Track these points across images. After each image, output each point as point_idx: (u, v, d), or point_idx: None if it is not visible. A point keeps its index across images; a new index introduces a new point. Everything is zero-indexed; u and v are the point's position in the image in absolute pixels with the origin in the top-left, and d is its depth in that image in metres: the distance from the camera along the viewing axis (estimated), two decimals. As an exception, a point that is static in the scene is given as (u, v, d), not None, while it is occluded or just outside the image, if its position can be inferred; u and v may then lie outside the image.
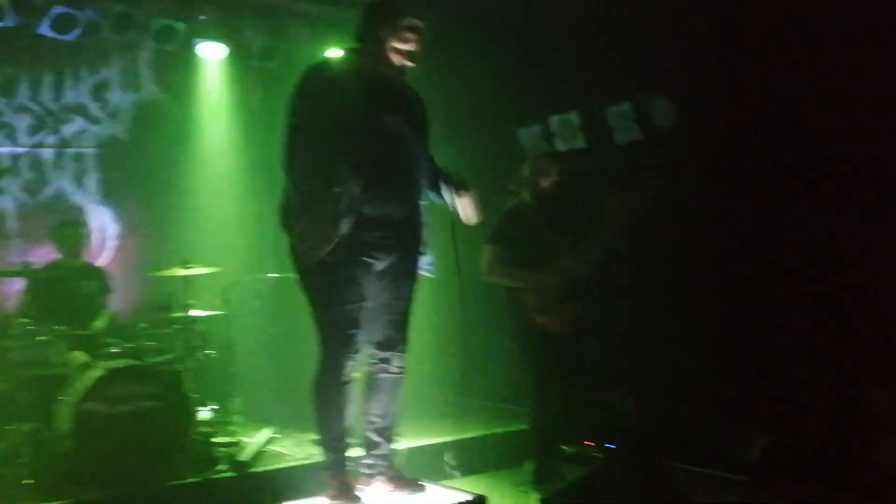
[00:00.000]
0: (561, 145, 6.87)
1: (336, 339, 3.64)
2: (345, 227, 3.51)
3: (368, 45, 3.71)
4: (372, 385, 3.91)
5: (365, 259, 3.65)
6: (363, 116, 3.56)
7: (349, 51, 3.84)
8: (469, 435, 6.15)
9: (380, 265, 3.72)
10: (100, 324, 6.04)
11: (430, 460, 5.63)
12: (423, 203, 3.85)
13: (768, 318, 5.40)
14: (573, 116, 6.68)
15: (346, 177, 3.48)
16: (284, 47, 7.30)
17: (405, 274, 3.81)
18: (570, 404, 5.36)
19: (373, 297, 3.72)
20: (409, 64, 3.68)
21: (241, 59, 7.37)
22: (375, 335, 3.82)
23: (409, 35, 3.63)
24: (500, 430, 6.28)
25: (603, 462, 5.42)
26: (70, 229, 6.22)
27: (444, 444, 5.90)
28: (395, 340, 3.86)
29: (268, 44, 7.21)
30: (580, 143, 6.61)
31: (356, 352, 3.71)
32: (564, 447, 5.70)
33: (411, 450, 5.57)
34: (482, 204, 4.01)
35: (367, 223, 3.60)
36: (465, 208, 3.91)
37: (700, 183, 5.86)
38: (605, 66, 6.28)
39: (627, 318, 6.09)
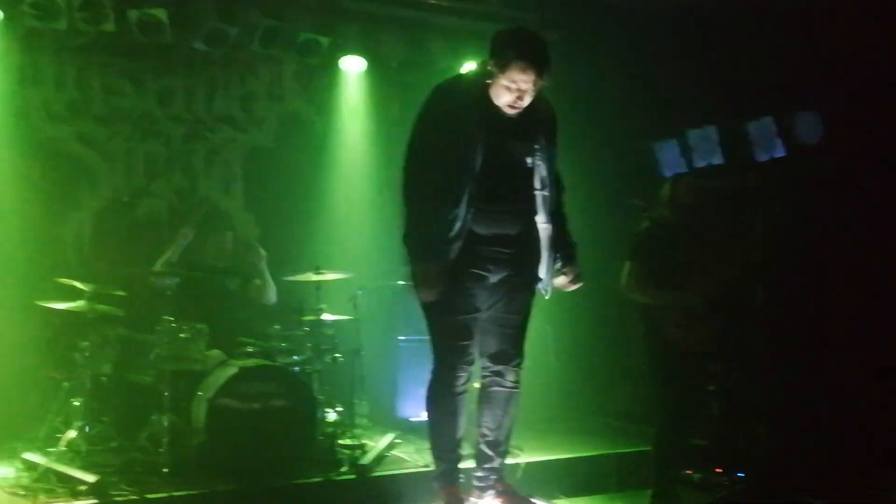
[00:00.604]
0: (699, 160, 6.68)
1: (449, 350, 3.66)
2: (455, 251, 3.53)
3: (489, 72, 3.62)
4: (485, 398, 3.91)
5: (478, 272, 3.66)
6: (481, 142, 3.52)
7: (478, 71, 3.75)
8: (588, 453, 6.05)
9: (493, 278, 3.72)
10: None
11: (546, 477, 5.56)
12: (544, 224, 3.78)
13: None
14: (711, 131, 6.48)
15: (458, 203, 3.48)
16: (422, 60, 7.43)
17: (520, 288, 3.80)
18: (696, 427, 5.17)
19: (486, 308, 3.73)
20: (516, 106, 3.54)
21: (380, 72, 7.55)
22: (489, 347, 3.82)
23: (521, 78, 3.48)
24: (621, 450, 6.11)
25: (729, 492, 5.21)
26: (218, 232, 6.52)
27: (562, 461, 5.82)
28: (509, 354, 3.85)
29: (406, 57, 7.36)
30: (718, 158, 6.40)
31: (470, 363, 3.73)
32: (689, 472, 5.51)
33: (528, 465, 5.52)
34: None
35: (481, 239, 3.61)
36: (561, 282, 3.88)
37: (847, 202, 5.56)
38: (746, 79, 6.07)
39: (763, 341, 5.83)
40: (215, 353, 5.80)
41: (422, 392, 4.04)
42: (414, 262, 3.61)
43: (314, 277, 5.96)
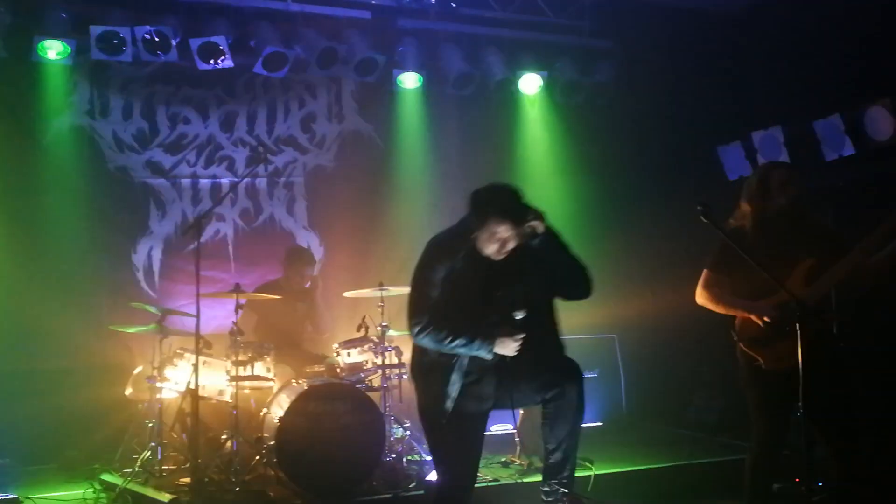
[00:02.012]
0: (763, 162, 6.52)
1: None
2: (456, 389, 3.78)
3: (473, 228, 3.77)
4: (548, 415, 3.88)
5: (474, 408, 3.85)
6: (473, 285, 3.74)
7: (466, 227, 3.84)
8: (659, 464, 5.95)
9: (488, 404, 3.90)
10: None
11: (617, 489, 5.49)
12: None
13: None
14: (776, 132, 6.32)
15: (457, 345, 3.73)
16: (478, 74, 7.44)
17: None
18: (781, 441, 4.82)
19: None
20: (502, 253, 3.73)
21: (437, 88, 7.59)
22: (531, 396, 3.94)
23: (500, 230, 3.66)
24: (694, 461, 5.97)
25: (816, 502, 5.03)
26: (298, 256, 6.64)
27: (633, 472, 5.74)
28: (558, 376, 3.87)
29: (463, 71, 7.37)
30: (784, 158, 6.23)
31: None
32: (776, 485, 5.30)
33: (598, 477, 5.45)
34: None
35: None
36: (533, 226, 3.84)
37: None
38: (812, 76, 5.92)
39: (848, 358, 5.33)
40: (286, 368, 5.87)
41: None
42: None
43: (377, 293, 5.99)
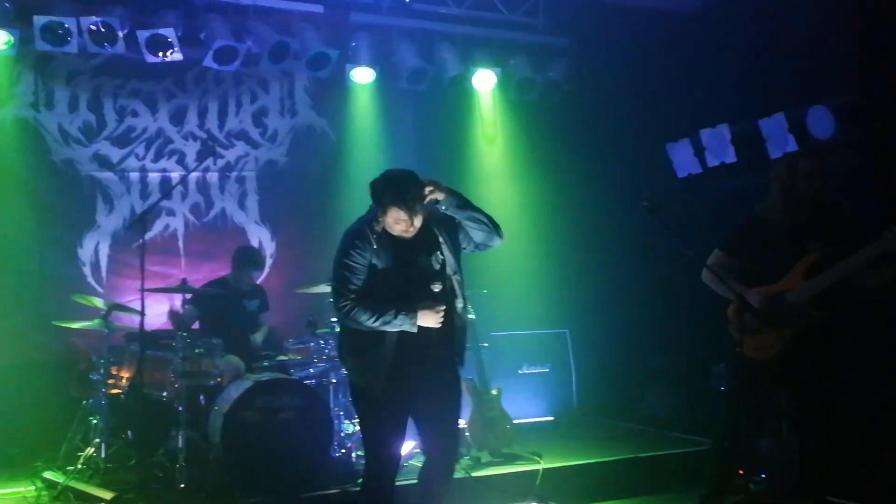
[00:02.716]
0: (712, 160, 6.62)
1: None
2: (383, 366, 3.96)
3: (377, 214, 4.00)
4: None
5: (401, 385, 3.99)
6: (391, 264, 3.97)
7: (374, 214, 4.05)
8: (607, 458, 5.99)
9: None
10: (258, 337, 6.37)
11: (565, 483, 5.55)
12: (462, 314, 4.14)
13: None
14: (724, 129, 6.41)
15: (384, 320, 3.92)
16: (432, 69, 7.44)
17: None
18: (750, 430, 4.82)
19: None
20: (409, 231, 3.96)
21: (390, 83, 7.56)
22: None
23: (400, 215, 3.89)
24: (643, 455, 6.05)
25: (755, 492, 5.12)
26: (249, 258, 6.55)
27: (581, 466, 5.81)
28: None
29: (416, 66, 7.35)
30: (731, 156, 6.33)
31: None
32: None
33: (546, 471, 5.51)
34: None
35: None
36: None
37: (866, 198, 5.47)
38: (758, 76, 6.01)
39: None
40: (235, 359, 5.83)
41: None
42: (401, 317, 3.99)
43: (327, 290, 5.95)
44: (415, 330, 3.94)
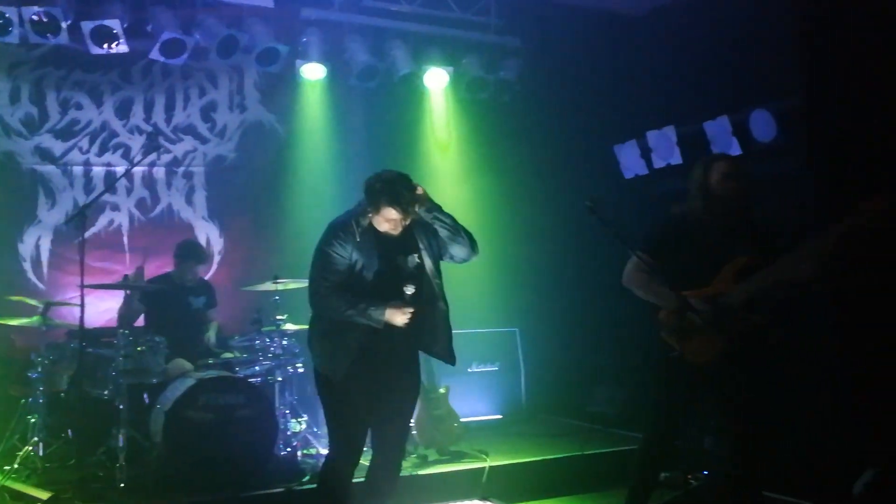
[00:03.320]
0: (658, 161, 6.70)
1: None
2: (348, 354, 4.06)
3: (368, 211, 4.13)
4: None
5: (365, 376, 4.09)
6: (370, 260, 4.09)
7: (363, 210, 4.17)
8: (552, 456, 6.05)
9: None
10: (211, 336, 6.29)
11: (510, 481, 5.57)
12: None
13: (877, 344, 5.05)
14: (669, 131, 6.50)
15: (356, 313, 4.04)
16: (383, 67, 7.41)
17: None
18: (676, 431, 4.84)
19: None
20: (397, 230, 4.11)
21: (341, 80, 7.52)
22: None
23: (392, 214, 4.05)
24: (588, 452, 6.09)
25: (694, 488, 5.20)
26: (190, 252, 6.41)
27: (526, 464, 5.84)
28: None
29: (367, 63, 7.32)
30: (677, 158, 6.42)
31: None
32: (663, 474, 5.42)
33: (492, 469, 5.52)
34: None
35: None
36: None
37: (805, 200, 5.58)
38: (703, 79, 6.10)
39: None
40: (181, 361, 5.75)
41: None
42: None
43: (273, 287, 5.91)
44: (380, 326, 4.02)
